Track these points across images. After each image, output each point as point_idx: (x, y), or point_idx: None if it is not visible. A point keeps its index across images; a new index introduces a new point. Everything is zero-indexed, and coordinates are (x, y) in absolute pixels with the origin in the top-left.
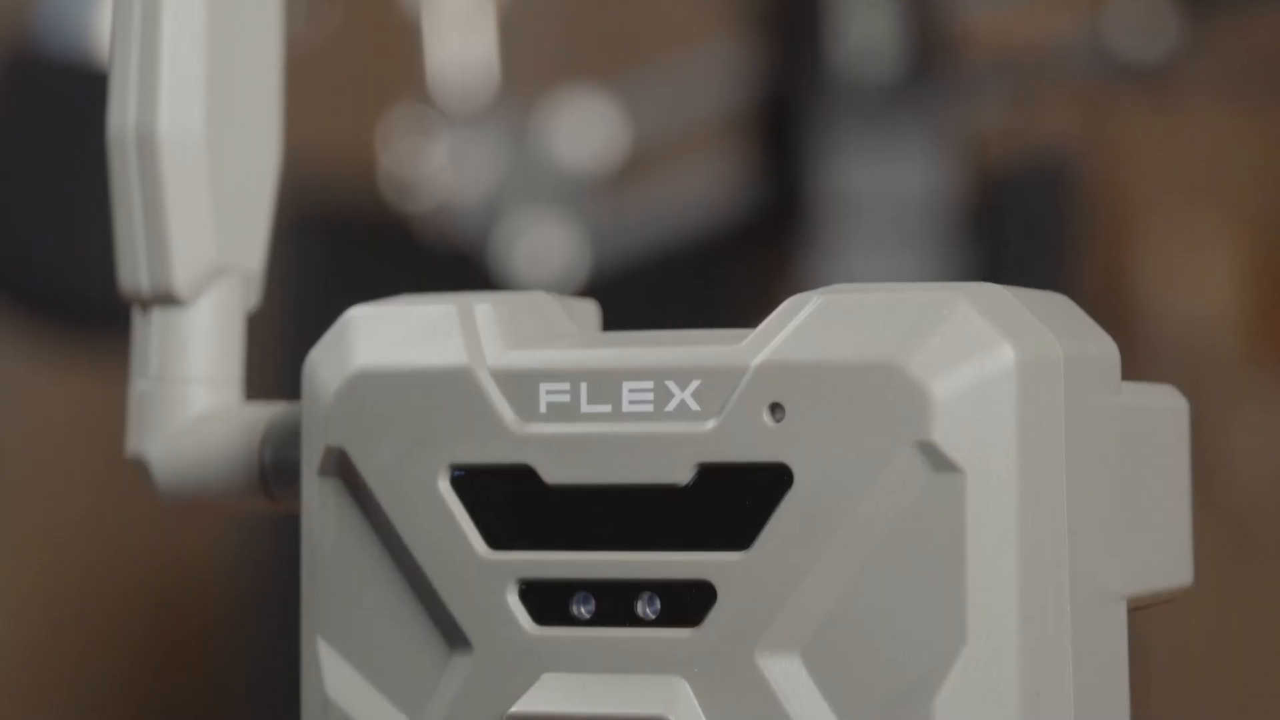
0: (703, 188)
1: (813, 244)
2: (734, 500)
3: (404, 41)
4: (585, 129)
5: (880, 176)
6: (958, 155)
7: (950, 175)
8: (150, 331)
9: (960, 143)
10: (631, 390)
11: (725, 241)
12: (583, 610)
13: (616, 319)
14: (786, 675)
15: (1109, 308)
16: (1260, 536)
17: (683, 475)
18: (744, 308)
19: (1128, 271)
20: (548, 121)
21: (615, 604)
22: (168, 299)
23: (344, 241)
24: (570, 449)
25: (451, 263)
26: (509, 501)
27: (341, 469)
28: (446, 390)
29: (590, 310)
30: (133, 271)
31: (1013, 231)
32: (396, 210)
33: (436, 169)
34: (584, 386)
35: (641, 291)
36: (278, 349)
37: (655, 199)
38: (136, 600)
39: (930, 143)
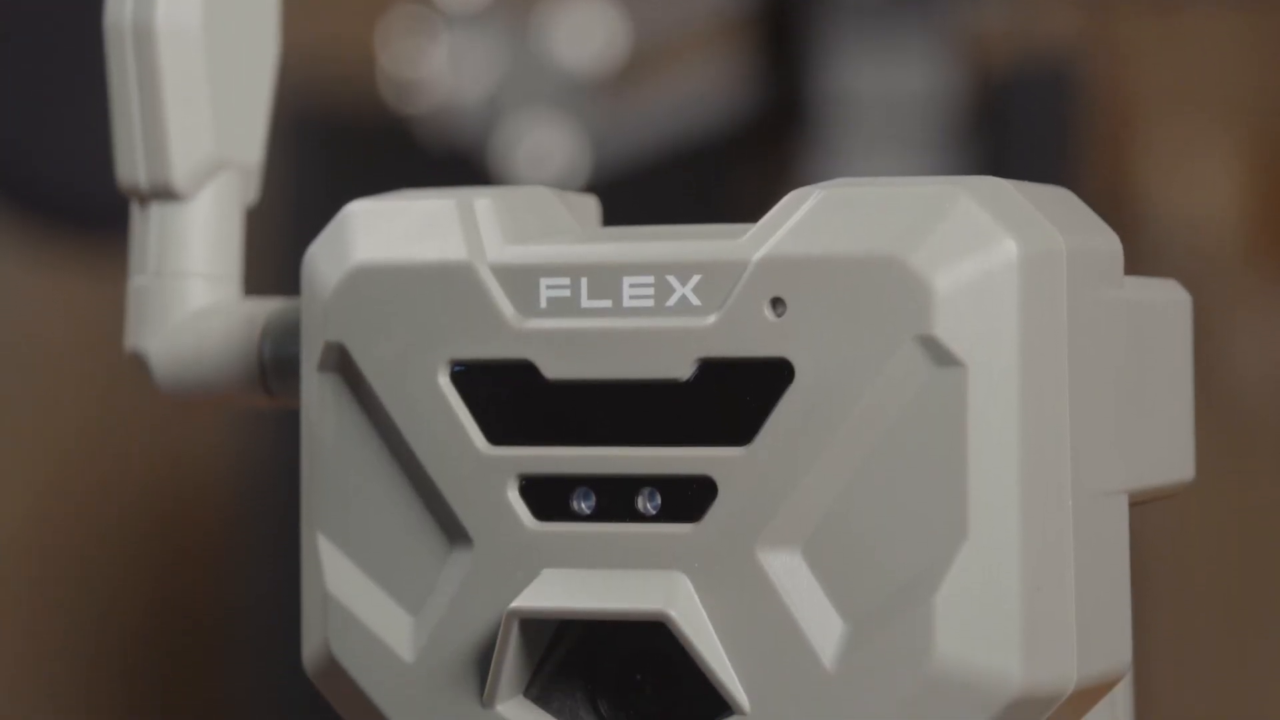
0: (703, 89)
1: (813, 145)
2: (735, 395)
3: None
4: (586, 29)
5: (881, 78)
6: (959, 56)
7: (952, 77)
8: (149, 226)
9: (962, 44)
10: (632, 285)
11: (726, 143)
12: (583, 506)
13: (617, 221)
14: (787, 570)
15: (1111, 209)
16: (1260, 435)
17: (683, 370)
18: (745, 209)
19: (1130, 173)
20: (548, 22)
21: (615, 499)
22: (166, 194)
23: (343, 143)
24: (570, 344)
25: (451, 164)
26: (509, 397)
27: (341, 364)
28: (446, 285)
29: (590, 205)
30: (131, 166)
31: (1014, 133)
32: (396, 111)
33: (436, 70)
34: (584, 281)
35: (642, 194)
36: (276, 245)
37: (656, 101)
38: (140, 503)
39: (932, 44)
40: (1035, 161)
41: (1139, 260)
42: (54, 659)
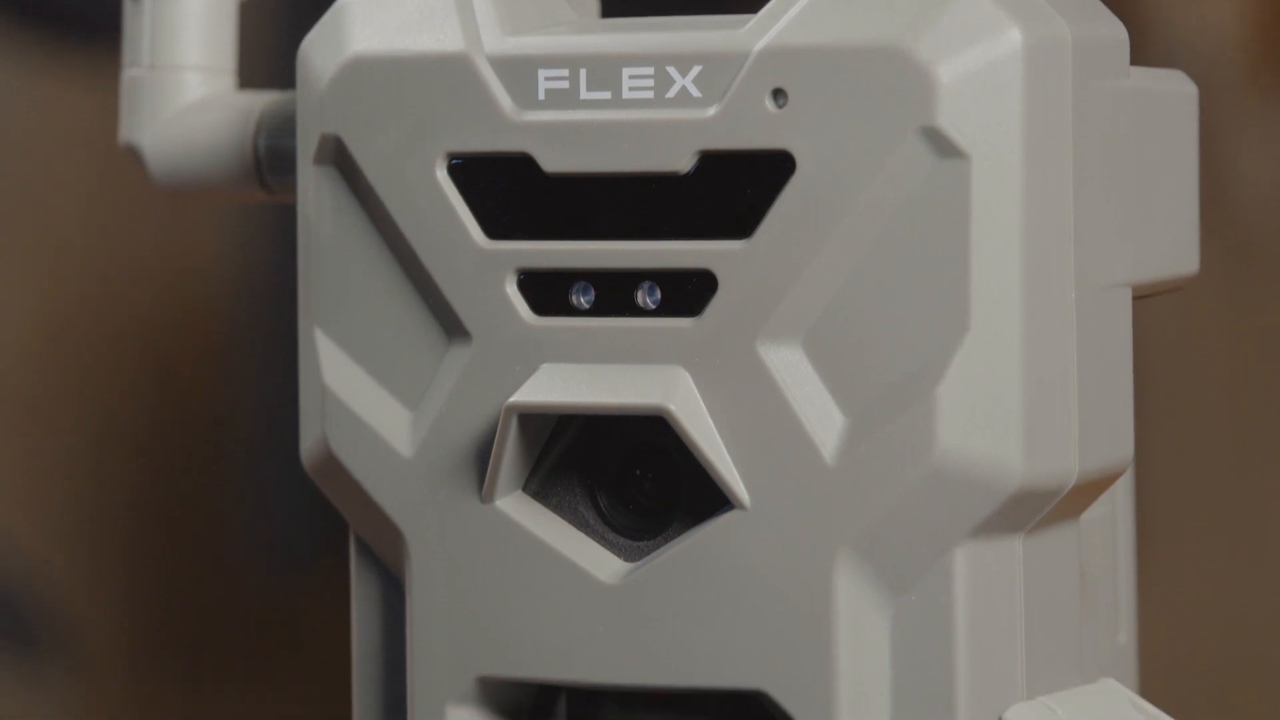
0: None
1: None
2: (735, 188)
3: None
4: None
5: None
6: None
7: None
8: (142, 18)
9: None
10: (632, 76)
11: None
12: (582, 300)
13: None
14: (788, 364)
15: (1116, 9)
16: (1264, 233)
17: (683, 163)
18: (746, 6)
19: None
20: None
21: (615, 294)
22: None
23: None
24: (569, 136)
25: None
26: (507, 190)
27: (337, 157)
28: (443, 77)
29: None
30: None
31: None
32: None
33: None
34: (583, 73)
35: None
36: (271, 37)
37: None
38: (140, 305)
39: None
40: None
41: (1145, 63)
42: (58, 474)
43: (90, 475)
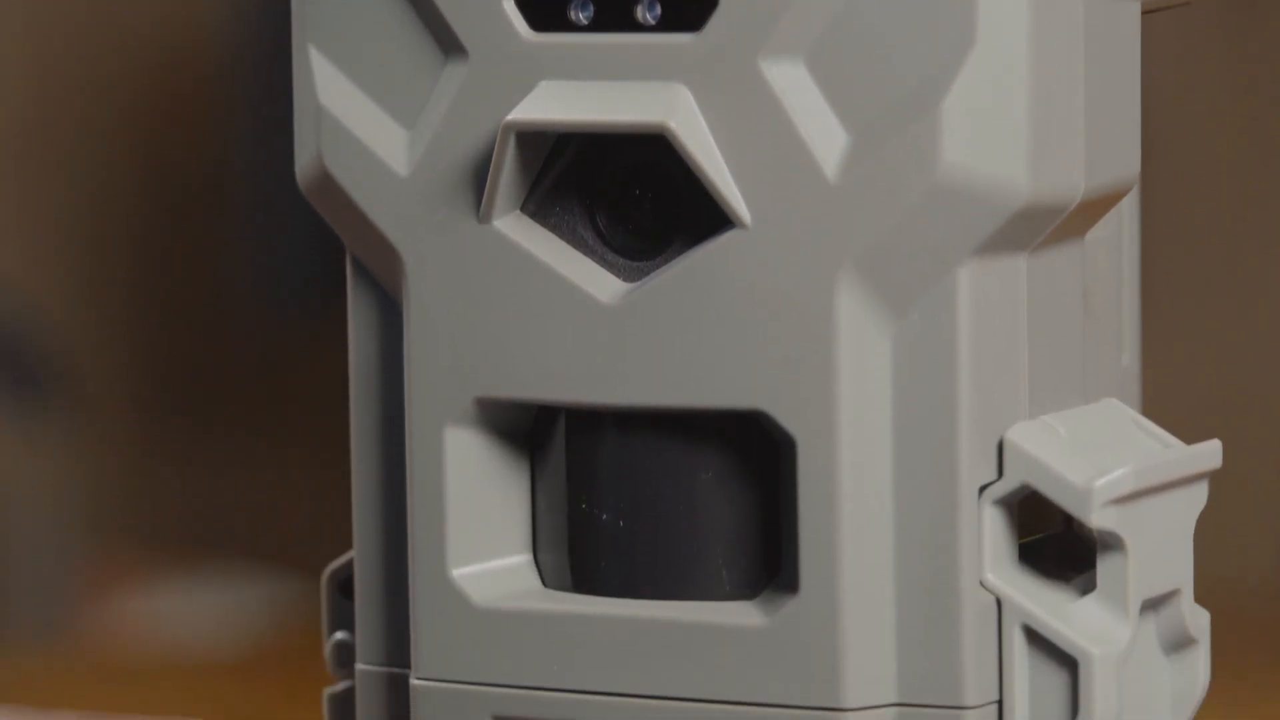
0: None
1: None
2: None
3: None
4: None
5: None
6: None
7: None
8: None
9: None
10: None
11: None
12: (581, 16)
13: None
14: (790, 80)
15: None
16: None
17: None
18: None
19: None
20: None
21: (614, 9)
22: None
23: None
24: None
25: None
26: None
27: None
28: None
29: None
30: None
31: None
32: None
33: None
34: None
35: None
36: None
37: None
38: (134, 42)
39: None
40: None
41: None
42: (55, 213)
43: (88, 213)
